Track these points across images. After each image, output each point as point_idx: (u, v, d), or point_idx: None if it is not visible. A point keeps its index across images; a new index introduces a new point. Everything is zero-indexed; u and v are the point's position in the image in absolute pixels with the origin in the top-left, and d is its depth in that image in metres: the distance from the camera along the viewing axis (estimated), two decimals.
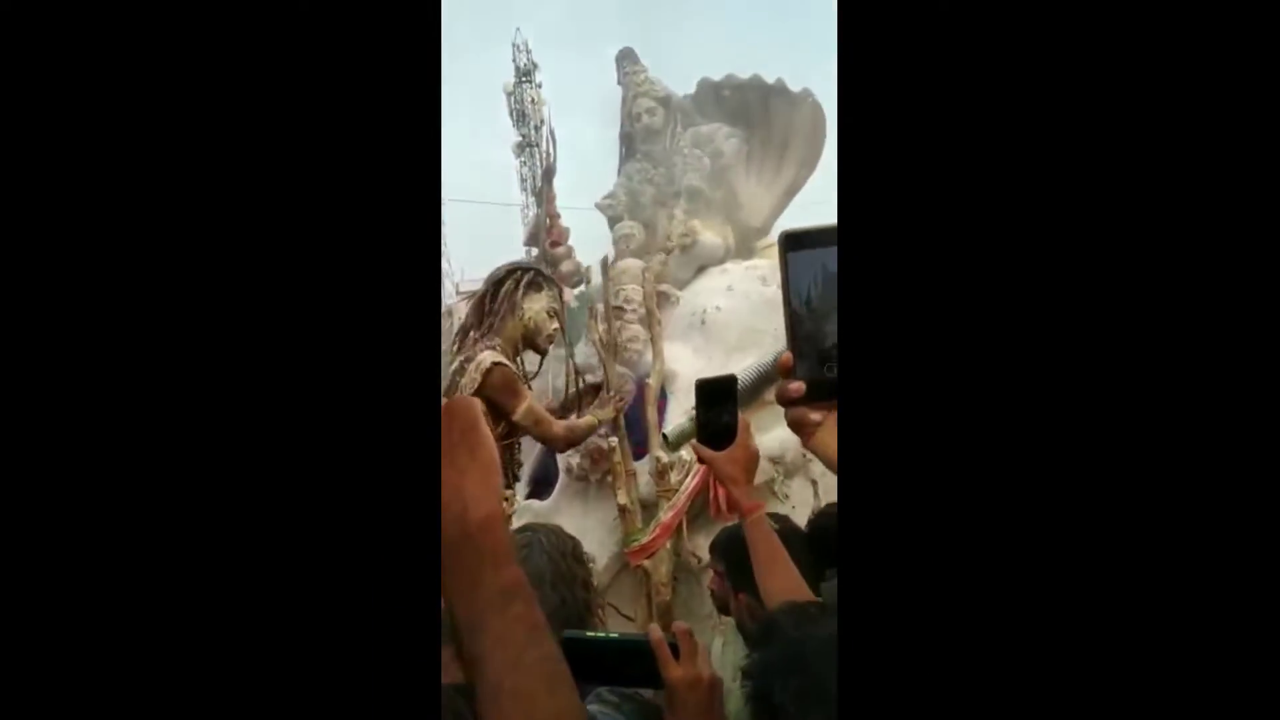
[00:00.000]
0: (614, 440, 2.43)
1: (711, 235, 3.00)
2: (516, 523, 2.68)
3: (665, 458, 2.42)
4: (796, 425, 0.57)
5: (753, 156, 3.17)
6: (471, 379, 2.07)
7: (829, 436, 0.56)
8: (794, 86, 3.20)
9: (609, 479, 2.50)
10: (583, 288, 3.51)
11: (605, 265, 2.67)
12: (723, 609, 1.69)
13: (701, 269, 3.01)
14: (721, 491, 2.31)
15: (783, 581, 1.04)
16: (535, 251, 4.30)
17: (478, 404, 0.60)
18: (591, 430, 2.36)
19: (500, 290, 2.24)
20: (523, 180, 8.29)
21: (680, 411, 2.53)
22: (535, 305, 2.24)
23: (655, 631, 0.81)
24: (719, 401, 1.13)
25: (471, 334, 2.21)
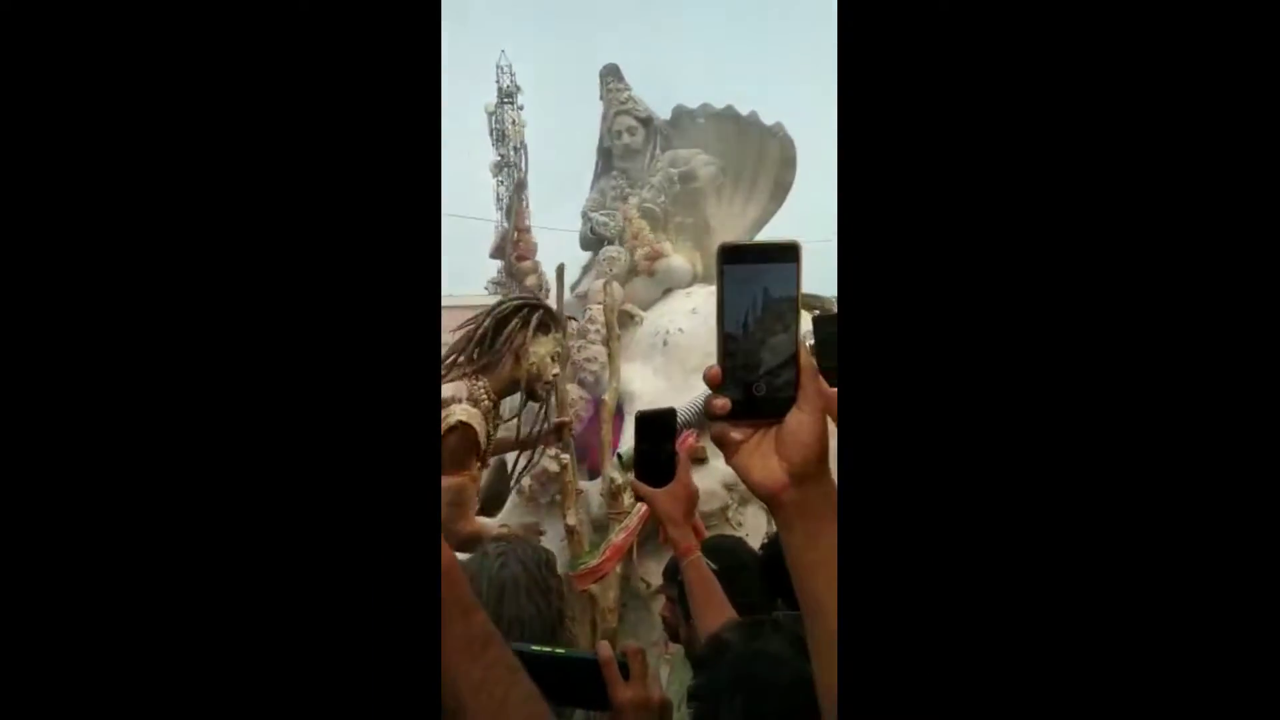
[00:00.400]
0: (565, 458, 2.36)
1: (681, 260, 3.00)
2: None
3: (619, 478, 2.35)
4: (719, 442, 0.56)
5: (724, 185, 3.19)
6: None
7: (751, 459, 0.54)
8: (767, 119, 3.24)
9: (558, 499, 2.42)
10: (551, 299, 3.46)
11: (560, 273, 2.61)
12: (674, 636, 1.64)
13: (668, 291, 3.00)
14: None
15: (718, 623, 1.02)
16: (500, 264, 4.25)
17: None
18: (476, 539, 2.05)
19: (505, 329, 2.05)
20: (499, 200, 8.28)
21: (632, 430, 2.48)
22: (542, 349, 2.07)
23: (604, 650, 0.77)
24: (658, 435, 1.10)
25: (458, 364, 2.01)
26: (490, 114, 8.16)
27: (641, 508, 2.32)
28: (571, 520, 2.33)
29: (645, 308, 2.93)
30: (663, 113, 3.28)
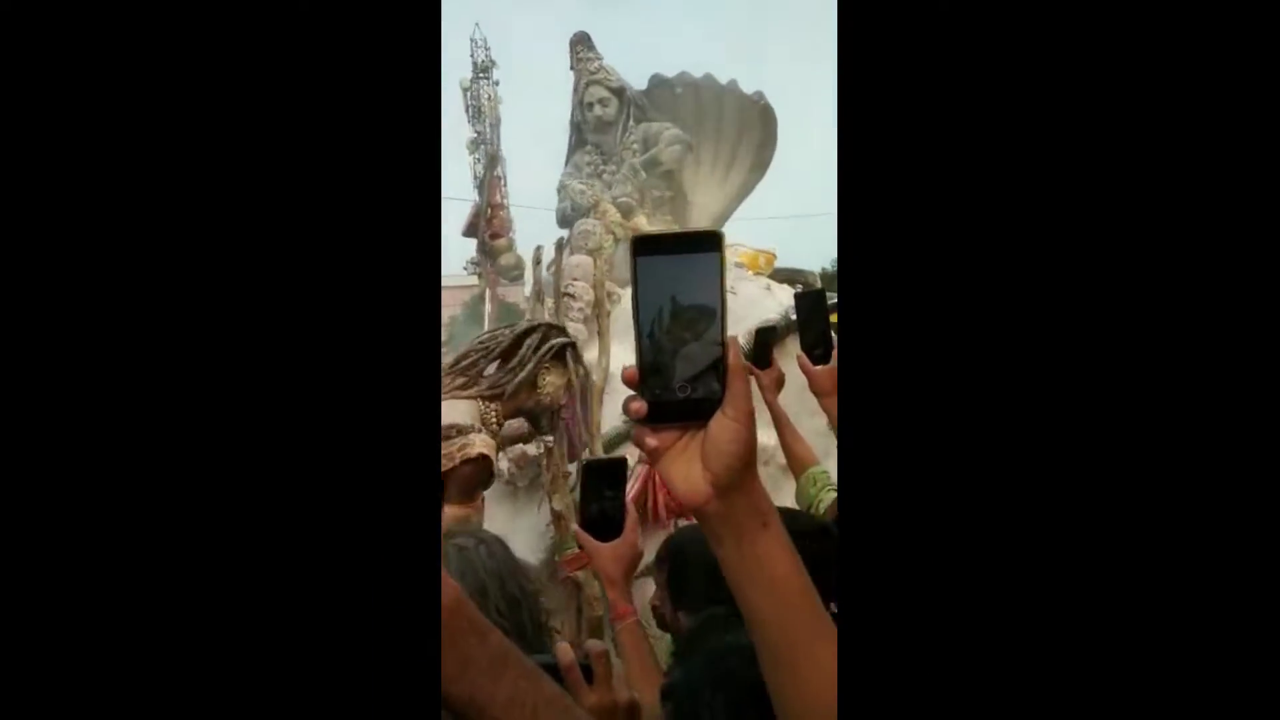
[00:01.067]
0: (549, 440, 2.29)
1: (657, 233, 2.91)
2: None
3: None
4: (639, 447, 0.51)
5: (703, 157, 3.10)
6: (449, 455, 1.80)
7: (674, 466, 0.50)
8: (747, 88, 3.15)
9: (540, 481, 2.36)
10: (526, 281, 3.38)
11: (560, 247, 2.52)
12: (662, 625, 1.59)
13: None
14: (664, 494, 2.21)
15: (654, 691, 0.95)
16: (474, 242, 4.14)
17: None
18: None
19: (522, 347, 1.94)
20: (476, 177, 8.13)
21: (618, 414, 2.42)
22: (557, 381, 1.97)
23: (565, 654, 0.71)
24: (607, 487, 1.04)
25: (468, 374, 1.92)
26: (465, 90, 7.98)
27: (629, 490, 2.27)
28: (559, 505, 2.27)
29: (621, 285, 2.85)
30: (639, 83, 3.18)
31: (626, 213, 2.84)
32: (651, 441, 0.50)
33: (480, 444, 1.84)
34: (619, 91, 3.08)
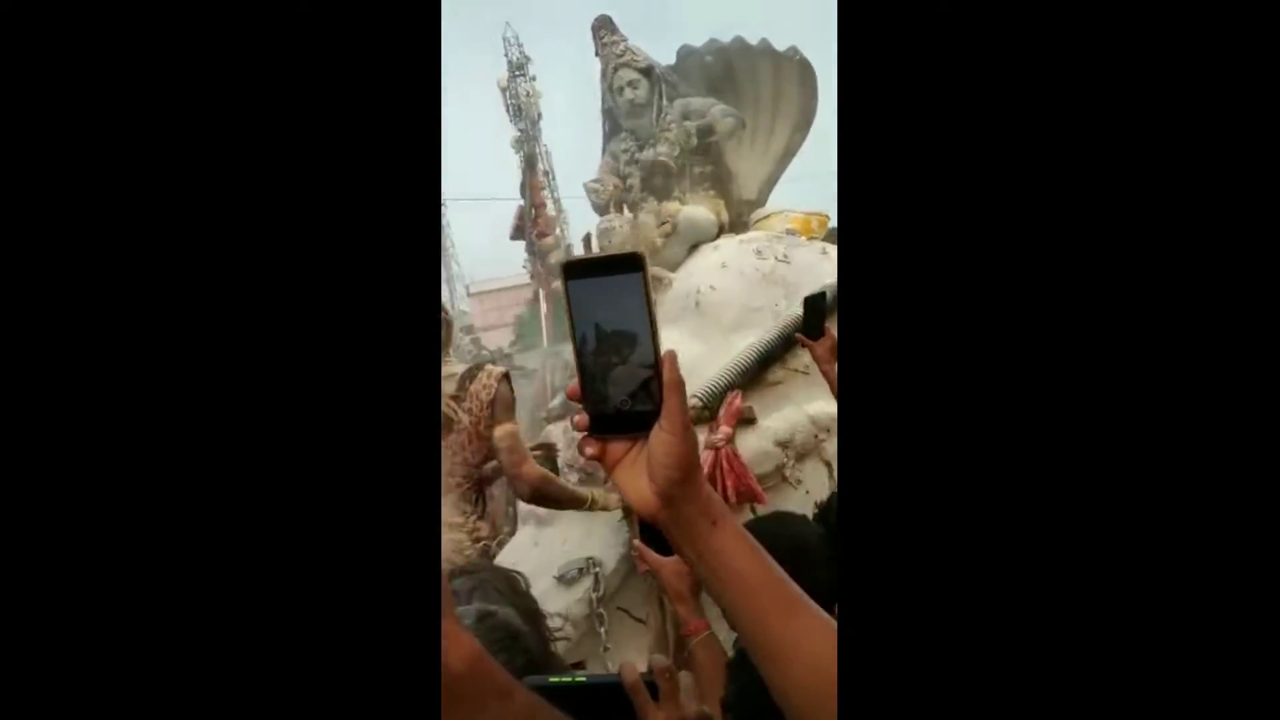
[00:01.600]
0: None
1: (702, 210, 2.83)
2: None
3: None
4: (581, 454, 0.55)
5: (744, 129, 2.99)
6: (485, 385, 1.93)
7: (626, 476, 0.52)
8: (779, 45, 3.01)
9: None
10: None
11: (587, 244, 2.50)
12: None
13: (694, 247, 2.84)
14: (731, 480, 2.16)
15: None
16: (523, 244, 4.16)
17: None
18: (574, 502, 2.07)
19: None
20: (522, 176, 8.20)
21: None
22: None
23: (630, 673, 0.70)
24: None
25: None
26: (504, 89, 8.03)
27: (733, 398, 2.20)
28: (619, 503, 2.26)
29: (671, 268, 2.79)
30: (666, 59, 3.08)
31: (664, 176, 2.76)
32: (589, 451, 0.53)
33: (495, 369, 2.00)
34: (647, 71, 2.99)
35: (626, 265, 0.52)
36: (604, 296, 0.51)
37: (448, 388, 1.93)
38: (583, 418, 0.53)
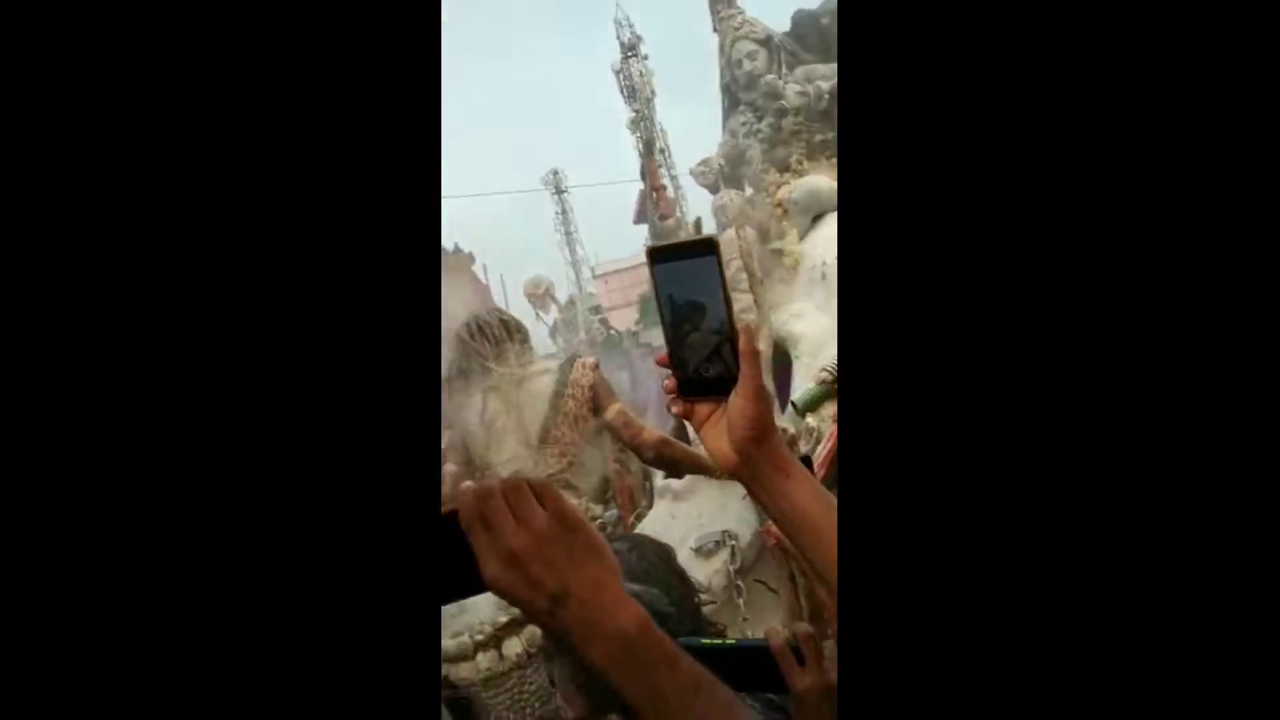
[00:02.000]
0: None
1: (825, 180, 2.76)
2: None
3: (792, 428, 2.25)
4: (670, 412, 0.62)
5: None
6: (582, 373, 2.09)
7: (709, 434, 0.59)
8: None
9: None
10: None
11: (698, 228, 2.52)
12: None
13: (818, 217, 2.78)
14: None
15: None
16: (646, 228, 4.22)
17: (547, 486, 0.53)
18: (695, 462, 2.08)
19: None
20: (640, 157, 8.26)
21: (808, 375, 2.35)
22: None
23: (776, 637, 0.76)
24: None
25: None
26: (617, 72, 8.10)
27: (821, 454, 2.21)
28: None
29: (798, 241, 2.75)
30: (781, 25, 3.01)
31: (782, 167, 2.72)
32: (677, 409, 0.61)
33: (588, 360, 2.17)
34: (765, 41, 2.94)
35: (702, 249, 0.58)
36: (685, 276, 0.58)
37: (548, 381, 2.09)
38: (671, 382, 0.60)
